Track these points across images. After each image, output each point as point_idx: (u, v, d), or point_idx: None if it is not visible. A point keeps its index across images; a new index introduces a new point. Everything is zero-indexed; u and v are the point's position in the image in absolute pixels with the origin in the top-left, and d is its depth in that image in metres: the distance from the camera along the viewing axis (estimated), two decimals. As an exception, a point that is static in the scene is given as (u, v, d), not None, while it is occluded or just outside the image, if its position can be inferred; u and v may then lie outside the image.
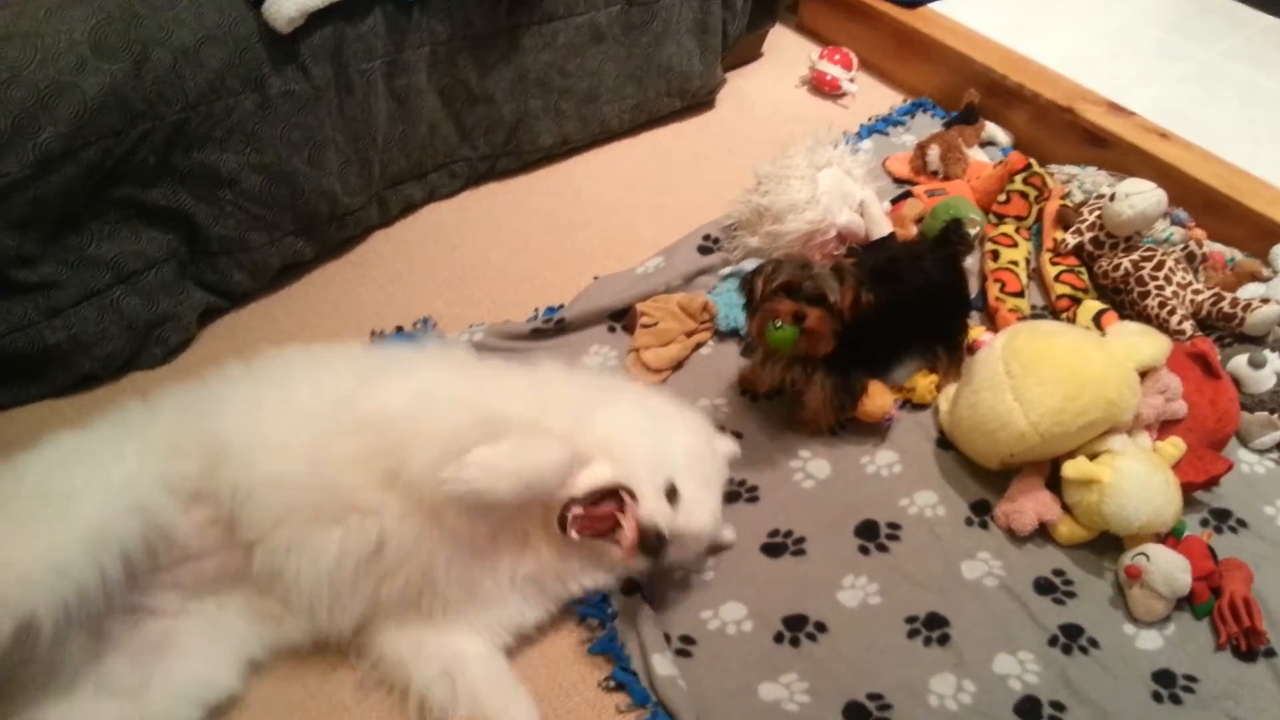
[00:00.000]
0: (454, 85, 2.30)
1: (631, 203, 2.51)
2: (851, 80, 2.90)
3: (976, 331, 2.09)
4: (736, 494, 1.86)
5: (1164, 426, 1.86)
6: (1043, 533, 1.81)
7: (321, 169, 2.11)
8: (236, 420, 1.53)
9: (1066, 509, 1.79)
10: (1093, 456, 1.77)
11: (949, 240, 2.07)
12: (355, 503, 1.47)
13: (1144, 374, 1.84)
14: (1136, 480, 1.71)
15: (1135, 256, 2.14)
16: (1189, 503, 1.81)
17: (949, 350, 2.04)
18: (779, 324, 1.72)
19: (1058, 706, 1.58)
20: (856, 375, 1.91)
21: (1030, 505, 1.79)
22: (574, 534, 1.51)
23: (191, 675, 1.48)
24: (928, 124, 2.75)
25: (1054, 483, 1.82)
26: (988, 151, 2.62)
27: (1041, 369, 1.78)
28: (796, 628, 1.68)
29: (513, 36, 2.31)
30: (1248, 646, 1.65)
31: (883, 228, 2.23)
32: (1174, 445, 1.80)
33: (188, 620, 1.52)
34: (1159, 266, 2.12)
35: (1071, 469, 1.75)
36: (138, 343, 2.00)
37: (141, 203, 1.92)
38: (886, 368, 2.03)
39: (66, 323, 1.89)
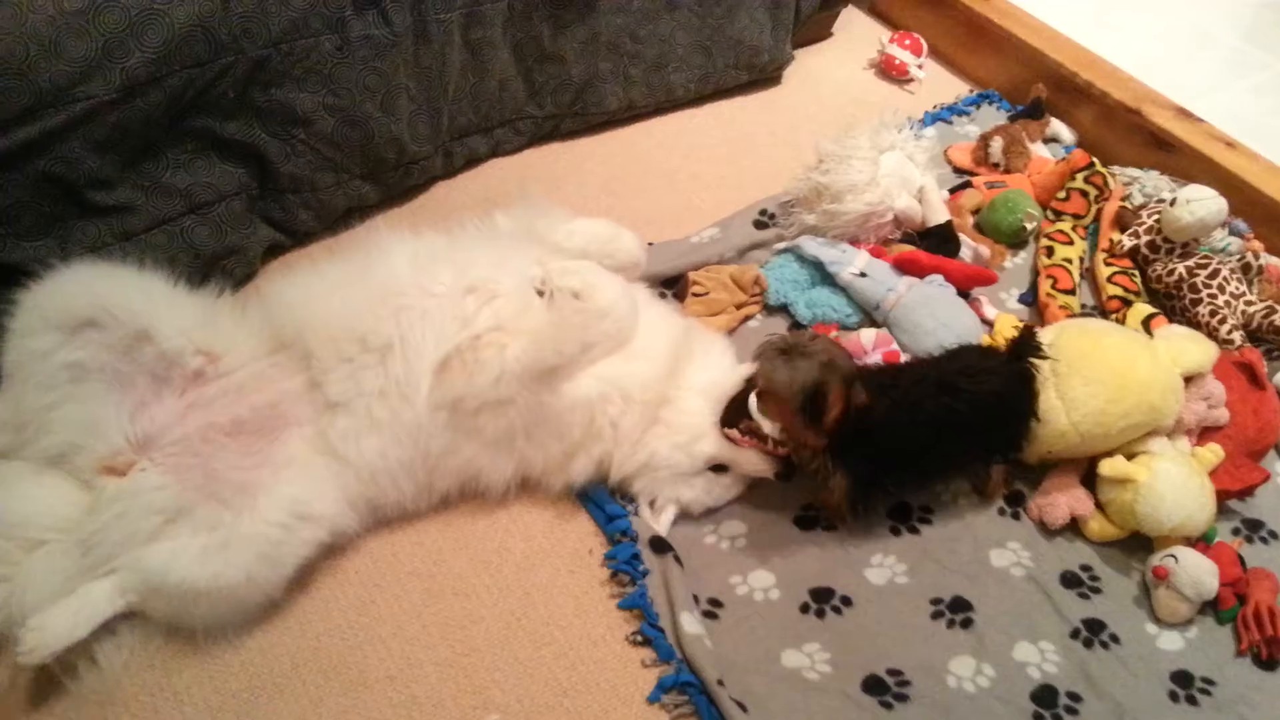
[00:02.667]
0: (527, 41, 2.32)
1: (691, 172, 2.52)
2: (920, 66, 2.89)
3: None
4: (774, 467, 1.89)
5: (1204, 432, 1.87)
6: (1074, 528, 1.82)
7: (393, 115, 2.15)
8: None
9: (1099, 506, 1.81)
10: (1130, 456, 1.78)
11: (1021, 354, 1.78)
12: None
13: (1189, 379, 1.85)
14: (1172, 483, 1.72)
15: (1190, 263, 2.14)
16: (1222, 510, 1.82)
17: (1003, 460, 1.86)
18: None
19: (1074, 697, 1.61)
20: (881, 488, 1.78)
21: (1064, 500, 1.81)
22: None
23: (284, 497, 1.61)
24: (993, 116, 2.74)
25: (1089, 479, 1.83)
26: (1050, 148, 2.61)
27: (1087, 369, 1.79)
28: (823, 600, 1.71)
29: (589, -3, 2.33)
30: (1268, 655, 1.66)
31: (940, 215, 2.23)
32: (1213, 452, 1.81)
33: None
34: (1213, 275, 2.11)
35: (1108, 468, 1.76)
36: (203, 272, 2.04)
37: (218, 135, 1.96)
38: (930, 480, 1.87)
39: (138, 247, 1.93)
